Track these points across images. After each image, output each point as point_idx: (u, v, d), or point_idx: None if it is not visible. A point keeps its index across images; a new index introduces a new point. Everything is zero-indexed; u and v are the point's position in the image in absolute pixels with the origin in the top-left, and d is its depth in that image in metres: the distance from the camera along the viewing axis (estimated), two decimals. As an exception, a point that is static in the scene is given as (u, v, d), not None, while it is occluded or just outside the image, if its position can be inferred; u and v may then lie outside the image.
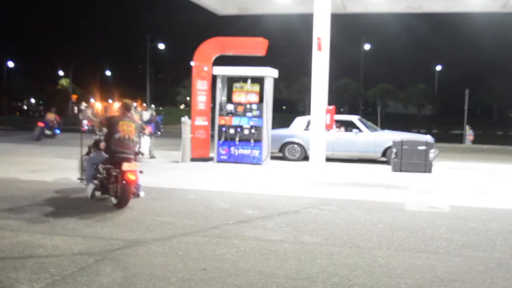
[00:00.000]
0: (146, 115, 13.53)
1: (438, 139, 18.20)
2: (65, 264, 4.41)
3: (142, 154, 13.11)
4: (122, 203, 6.81)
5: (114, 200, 6.95)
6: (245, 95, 12.79)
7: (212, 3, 15.56)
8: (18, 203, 7.03)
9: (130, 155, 7.16)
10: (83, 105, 8.32)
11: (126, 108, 7.41)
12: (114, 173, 6.93)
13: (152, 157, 13.40)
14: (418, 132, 29.46)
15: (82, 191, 8.19)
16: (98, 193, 7.31)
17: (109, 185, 7.05)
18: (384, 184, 9.78)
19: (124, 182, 6.77)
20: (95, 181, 7.35)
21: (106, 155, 7.19)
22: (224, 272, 4.30)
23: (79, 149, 8.18)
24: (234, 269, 4.38)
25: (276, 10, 16.16)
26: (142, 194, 7.64)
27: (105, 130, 7.38)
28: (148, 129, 13.16)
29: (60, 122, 21.09)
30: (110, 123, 7.25)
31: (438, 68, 58.44)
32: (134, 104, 13.80)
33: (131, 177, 6.82)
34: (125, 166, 6.83)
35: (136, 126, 7.38)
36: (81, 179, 7.97)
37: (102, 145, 7.36)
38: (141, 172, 7.24)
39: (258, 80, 12.82)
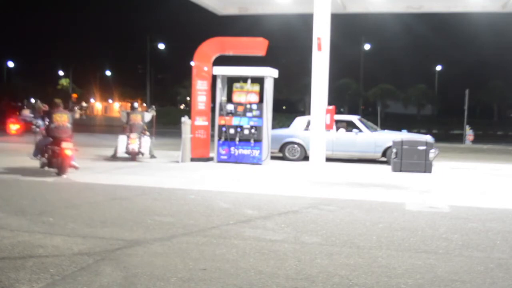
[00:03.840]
0: (148, 116, 13.48)
1: (438, 139, 18.22)
2: (65, 264, 4.41)
3: (143, 154, 13.17)
4: (61, 171, 9.53)
5: (57, 170, 9.59)
6: (245, 95, 12.79)
7: (212, 3, 15.56)
8: (18, 203, 7.04)
9: (67, 137, 9.78)
10: (39, 102, 11.09)
11: (56, 105, 10.06)
12: (56, 150, 9.54)
13: (152, 156, 13.39)
14: (418, 132, 29.47)
15: (82, 191, 8.22)
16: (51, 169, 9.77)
17: (53, 159, 9.66)
18: (384, 184, 9.78)
19: (63, 155, 9.47)
20: (43, 159, 9.89)
21: (51, 139, 9.77)
22: (224, 272, 4.30)
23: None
24: (234, 269, 4.38)
25: (276, 10, 16.15)
26: (77, 165, 10.03)
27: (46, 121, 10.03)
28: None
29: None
30: (48, 116, 9.95)
31: (438, 68, 58.46)
32: (136, 103, 14.09)
33: (68, 152, 9.54)
34: (64, 144, 9.51)
35: (68, 116, 10.00)
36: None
37: (43, 132, 10.18)
38: (76, 168, 9.92)
39: (258, 80, 12.82)
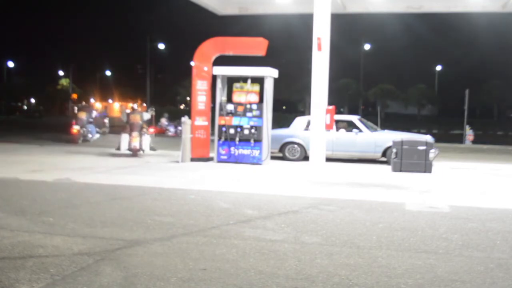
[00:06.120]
0: (146, 116, 14.83)
1: (438, 139, 18.22)
2: (65, 264, 4.41)
3: (143, 150, 14.33)
4: (73, 142, 17.26)
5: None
6: (245, 95, 12.79)
7: (212, 3, 15.56)
8: (18, 203, 7.03)
9: (79, 124, 18.68)
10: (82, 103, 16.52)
11: (84, 107, 19.94)
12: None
13: (152, 148, 14.65)
14: (418, 132, 29.46)
15: (82, 191, 8.22)
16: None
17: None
18: (384, 184, 9.78)
19: (72, 132, 18.09)
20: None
21: None
22: (224, 272, 4.30)
23: None
24: (234, 269, 4.38)
25: (276, 10, 16.15)
26: (96, 136, 19.13)
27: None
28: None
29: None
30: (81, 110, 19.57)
31: (438, 68, 58.46)
32: (135, 105, 16.16)
33: (74, 131, 18.32)
34: (74, 126, 18.53)
35: (85, 114, 19.21)
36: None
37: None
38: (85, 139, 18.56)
39: (258, 80, 12.81)
